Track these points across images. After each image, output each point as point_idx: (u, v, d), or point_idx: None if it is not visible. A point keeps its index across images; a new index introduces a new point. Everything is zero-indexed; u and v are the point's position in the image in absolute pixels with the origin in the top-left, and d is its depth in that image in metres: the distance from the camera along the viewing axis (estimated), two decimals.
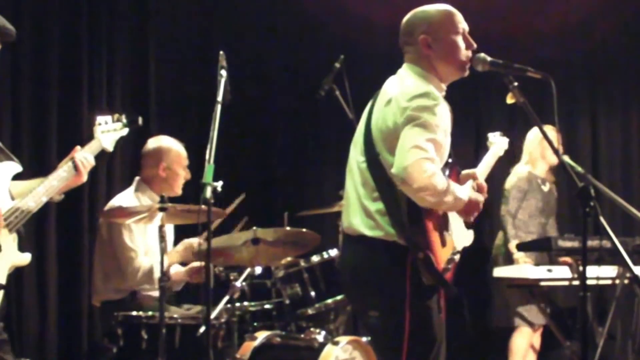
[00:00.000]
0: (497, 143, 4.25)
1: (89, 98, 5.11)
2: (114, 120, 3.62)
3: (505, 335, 5.43)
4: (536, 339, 5.46)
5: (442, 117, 2.85)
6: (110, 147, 3.63)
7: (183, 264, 4.42)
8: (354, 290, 3.05)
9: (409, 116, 2.81)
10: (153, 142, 4.42)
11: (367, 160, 2.94)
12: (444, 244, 2.95)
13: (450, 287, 2.92)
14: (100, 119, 3.59)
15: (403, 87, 2.93)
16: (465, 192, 2.94)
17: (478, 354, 5.98)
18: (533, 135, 5.45)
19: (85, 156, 3.41)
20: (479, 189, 3.12)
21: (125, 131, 3.68)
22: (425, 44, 2.99)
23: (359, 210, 2.95)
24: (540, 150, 5.43)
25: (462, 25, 3.06)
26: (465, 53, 3.02)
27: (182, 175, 4.37)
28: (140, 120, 3.72)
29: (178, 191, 4.38)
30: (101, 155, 4.95)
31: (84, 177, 3.42)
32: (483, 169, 3.46)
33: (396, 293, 2.85)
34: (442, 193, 2.77)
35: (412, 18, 3.07)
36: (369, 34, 6.02)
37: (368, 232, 2.91)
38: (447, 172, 2.97)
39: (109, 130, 3.59)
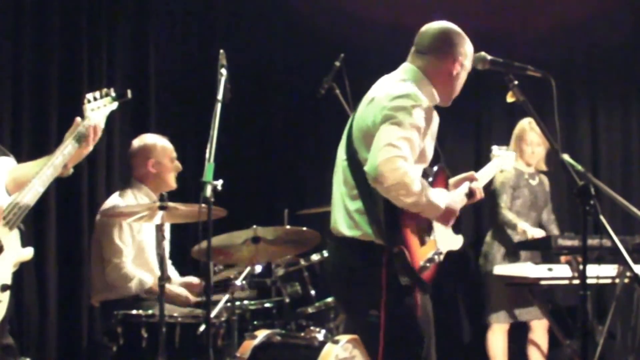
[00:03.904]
0: (502, 157, 4.06)
1: None
2: (102, 95, 3.54)
3: None
4: (541, 337, 5.45)
5: (421, 118, 2.85)
6: (101, 124, 3.57)
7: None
8: (337, 290, 3.08)
9: (385, 115, 2.83)
10: (137, 142, 4.45)
11: (348, 158, 2.98)
12: (422, 242, 2.96)
13: (424, 284, 2.92)
14: (88, 95, 3.50)
15: (389, 87, 2.96)
16: (442, 199, 2.92)
17: (475, 352, 5.98)
18: (514, 133, 5.49)
19: (96, 124, 3.36)
20: (471, 193, 3.15)
21: (114, 105, 3.56)
22: (460, 65, 3.06)
23: (341, 210, 2.99)
24: (517, 153, 5.41)
25: (470, 65, 3.14)
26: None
27: (172, 167, 4.40)
28: (129, 93, 3.63)
29: (172, 184, 4.40)
30: (100, 153, 5.03)
31: (91, 147, 3.38)
32: (482, 177, 3.42)
33: (372, 294, 2.86)
34: (415, 193, 2.76)
35: (456, 34, 3.10)
36: (368, 33, 6.03)
37: (347, 232, 2.94)
38: (430, 177, 3.00)
39: (98, 107, 3.50)
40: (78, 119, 3.37)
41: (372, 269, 2.86)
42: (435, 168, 3.07)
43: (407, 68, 3.10)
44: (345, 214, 2.96)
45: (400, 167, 2.71)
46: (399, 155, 2.72)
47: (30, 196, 3.18)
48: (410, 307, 2.90)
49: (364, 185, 2.87)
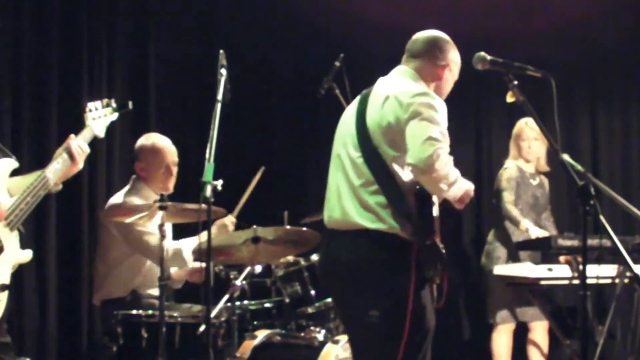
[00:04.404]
0: None
1: (89, 97, 5.09)
2: (104, 106, 3.57)
3: None
4: (541, 338, 5.44)
5: (443, 114, 2.99)
6: (101, 134, 3.58)
7: None
8: (351, 286, 3.04)
9: (415, 111, 2.94)
10: (137, 141, 4.42)
11: (364, 155, 3.03)
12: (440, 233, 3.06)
13: (452, 272, 3.11)
14: (90, 105, 3.54)
15: (402, 86, 3.08)
16: (466, 182, 3.06)
17: (475, 351, 5.99)
18: (512, 133, 5.52)
19: (79, 144, 3.39)
20: None
21: (115, 116, 3.61)
22: (449, 69, 3.22)
23: (355, 205, 3.01)
24: (516, 151, 5.48)
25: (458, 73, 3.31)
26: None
27: (161, 172, 4.31)
28: (130, 105, 3.65)
29: (166, 187, 4.31)
30: (100, 153, 5.04)
31: (80, 165, 3.40)
32: None
33: (399, 286, 2.92)
34: (453, 183, 2.92)
35: (445, 42, 3.27)
36: (368, 33, 6.03)
37: (370, 225, 2.96)
38: None
39: (99, 117, 3.55)
40: (72, 135, 3.40)
41: (401, 262, 2.94)
42: None
43: (403, 70, 3.22)
44: (362, 209, 2.99)
45: (445, 160, 2.88)
46: (442, 148, 2.89)
47: (30, 199, 3.19)
48: (426, 300, 2.99)
49: (387, 180, 2.97)
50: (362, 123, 3.08)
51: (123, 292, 4.19)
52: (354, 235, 3.00)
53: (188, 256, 4.16)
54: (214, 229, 4.18)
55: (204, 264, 4.22)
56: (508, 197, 5.37)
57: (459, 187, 2.97)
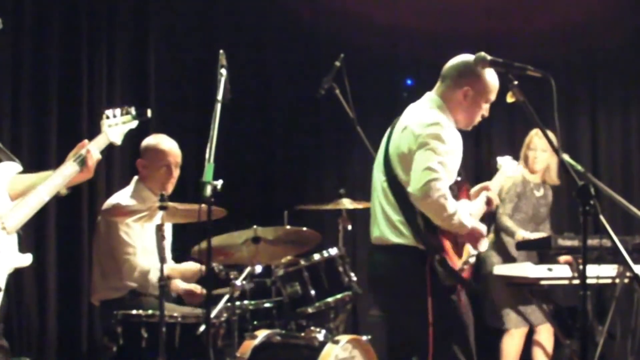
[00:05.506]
0: (506, 166, 4.45)
1: (89, 98, 5.12)
2: (123, 113, 3.54)
3: (499, 334, 5.41)
4: (546, 339, 5.41)
5: (451, 142, 3.20)
6: (118, 141, 3.53)
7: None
8: (384, 293, 3.39)
9: (422, 142, 3.18)
10: (145, 139, 4.41)
11: (387, 179, 3.32)
12: (457, 247, 3.31)
13: (467, 282, 3.33)
14: (108, 112, 3.50)
15: (419, 116, 3.30)
16: (470, 220, 3.28)
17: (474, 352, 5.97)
18: (525, 141, 5.46)
19: (91, 151, 3.36)
20: (488, 202, 3.54)
21: (134, 124, 3.55)
22: (465, 94, 3.32)
23: (385, 222, 3.32)
24: (524, 160, 5.40)
25: (493, 97, 3.41)
26: (479, 119, 3.43)
27: (161, 173, 4.30)
28: (149, 113, 3.66)
29: (165, 188, 4.27)
30: (101, 154, 5.03)
31: (91, 173, 3.37)
32: (493, 186, 3.76)
33: (417, 291, 3.21)
34: (450, 215, 3.13)
35: (473, 65, 3.29)
36: (368, 33, 6.02)
37: (395, 239, 3.27)
38: (455, 191, 3.32)
39: (116, 124, 3.50)
40: (85, 141, 3.36)
41: (418, 270, 3.22)
42: (458, 179, 3.35)
43: (431, 96, 3.40)
44: (389, 226, 3.30)
45: (439, 189, 3.09)
46: (437, 179, 3.09)
47: (34, 203, 3.17)
48: (455, 304, 3.29)
49: (405, 202, 3.23)
50: (387, 150, 3.35)
51: (120, 292, 4.18)
52: (386, 250, 3.31)
53: (154, 280, 4.12)
54: (182, 268, 4.31)
55: (203, 290, 4.29)
56: (504, 208, 5.31)
57: (459, 221, 3.16)
